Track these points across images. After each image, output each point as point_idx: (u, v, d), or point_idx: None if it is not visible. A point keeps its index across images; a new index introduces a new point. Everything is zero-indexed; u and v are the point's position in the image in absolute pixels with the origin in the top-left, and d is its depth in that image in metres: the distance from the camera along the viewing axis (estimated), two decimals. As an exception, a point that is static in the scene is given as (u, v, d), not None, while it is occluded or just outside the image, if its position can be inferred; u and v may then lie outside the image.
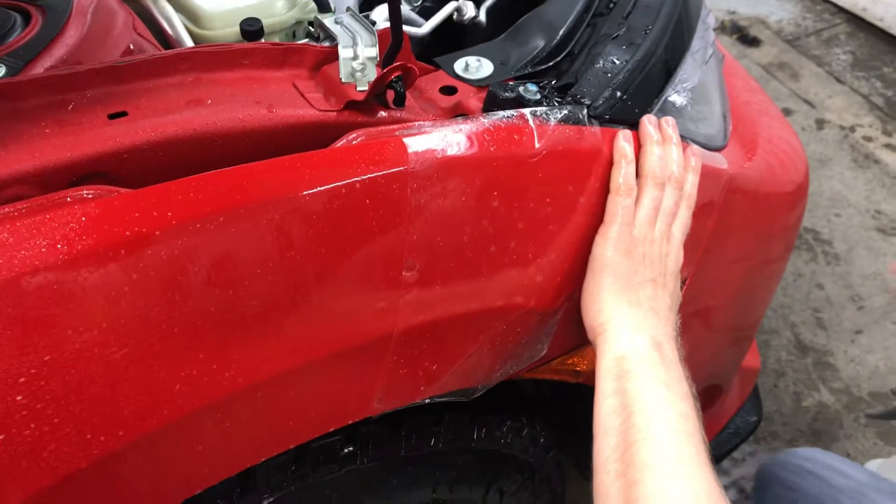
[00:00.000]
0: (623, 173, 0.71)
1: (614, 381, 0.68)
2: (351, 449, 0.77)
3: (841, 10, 3.10)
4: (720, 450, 1.41)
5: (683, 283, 0.86)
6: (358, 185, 0.58)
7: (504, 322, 0.72)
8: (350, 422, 0.69)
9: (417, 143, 0.61)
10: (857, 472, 1.01)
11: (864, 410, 1.77)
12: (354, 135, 0.63)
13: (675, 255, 0.75)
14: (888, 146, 2.47)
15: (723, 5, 3.12)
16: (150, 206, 0.52)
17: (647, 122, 0.75)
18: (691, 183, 0.77)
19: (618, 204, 0.71)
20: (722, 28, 3.00)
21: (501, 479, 0.93)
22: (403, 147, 0.60)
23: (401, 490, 0.84)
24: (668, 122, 0.76)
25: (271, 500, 0.74)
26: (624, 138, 0.72)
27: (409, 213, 0.61)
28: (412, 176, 0.60)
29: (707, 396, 1.26)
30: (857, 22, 3.03)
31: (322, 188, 0.57)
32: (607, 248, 0.70)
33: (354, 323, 0.62)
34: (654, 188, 0.73)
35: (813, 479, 1.02)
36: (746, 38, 2.95)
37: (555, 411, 1.09)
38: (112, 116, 0.63)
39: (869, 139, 2.50)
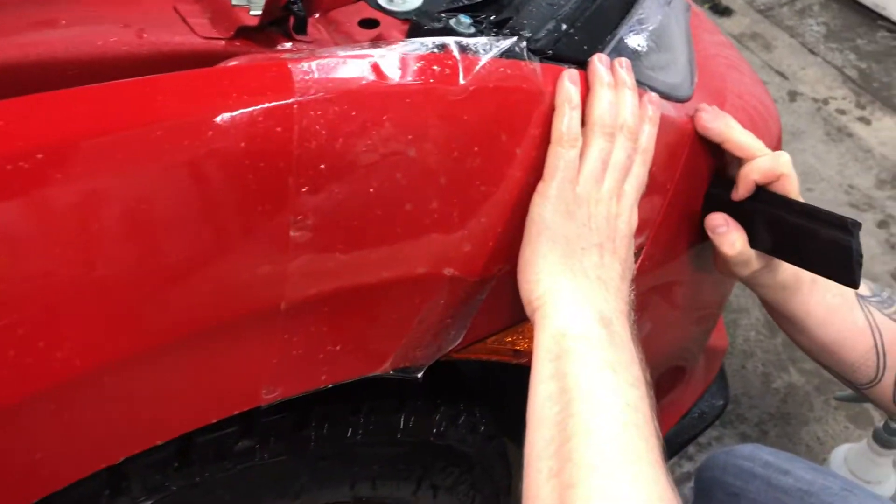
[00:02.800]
0: (566, 120, 0.60)
1: (552, 363, 0.57)
2: (248, 443, 0.66)
3: (815, -20, 3.01)
4: (685, 435, 1.32)
5: (640, 250, 0.75)
6: (227, 121, 0.46)
7: (424, 295, 0.60)
8: (234, 413, 0.58)
9: (307, 71, 0.49)
10: (803, 469, 0.92)
11: (835, 393, 1.69)
12: (234, 61, 0.51)
13: (626, 217, 0.64)
14: (861, 119, 2.39)
15: (695, -26, 3.01)
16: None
17: (598, 61, 0.64)
18: (648, 135, 0.65)
19: (559, 156, 0.60)
20: (694, -3, 2.90)
21: (434, 474, 0.82)
22: (289, 74, 0.48)
23: (311, 489, 0.73)
24: (623, 63, 0.65)
25: (150, 502, 0.62)
26: (569, 79, 0.61)
27: (296, 159, 0.49)
28: (300, 111, 0.48)
29: (669, 379, 1.17)
30: (832, -8, 2.94)
31: (175, 122, 0.45)
32: (545, 207, 0.59)
33: (227, 293, 0.50)
34: (603, 138, 0.62)
35: (757, 481, 0.93)
36: (718, 8, 2.85)
37: (500, 396, 0.99)
38: (-69, 36, 0.51)
39: (842, 112, 2.41)
